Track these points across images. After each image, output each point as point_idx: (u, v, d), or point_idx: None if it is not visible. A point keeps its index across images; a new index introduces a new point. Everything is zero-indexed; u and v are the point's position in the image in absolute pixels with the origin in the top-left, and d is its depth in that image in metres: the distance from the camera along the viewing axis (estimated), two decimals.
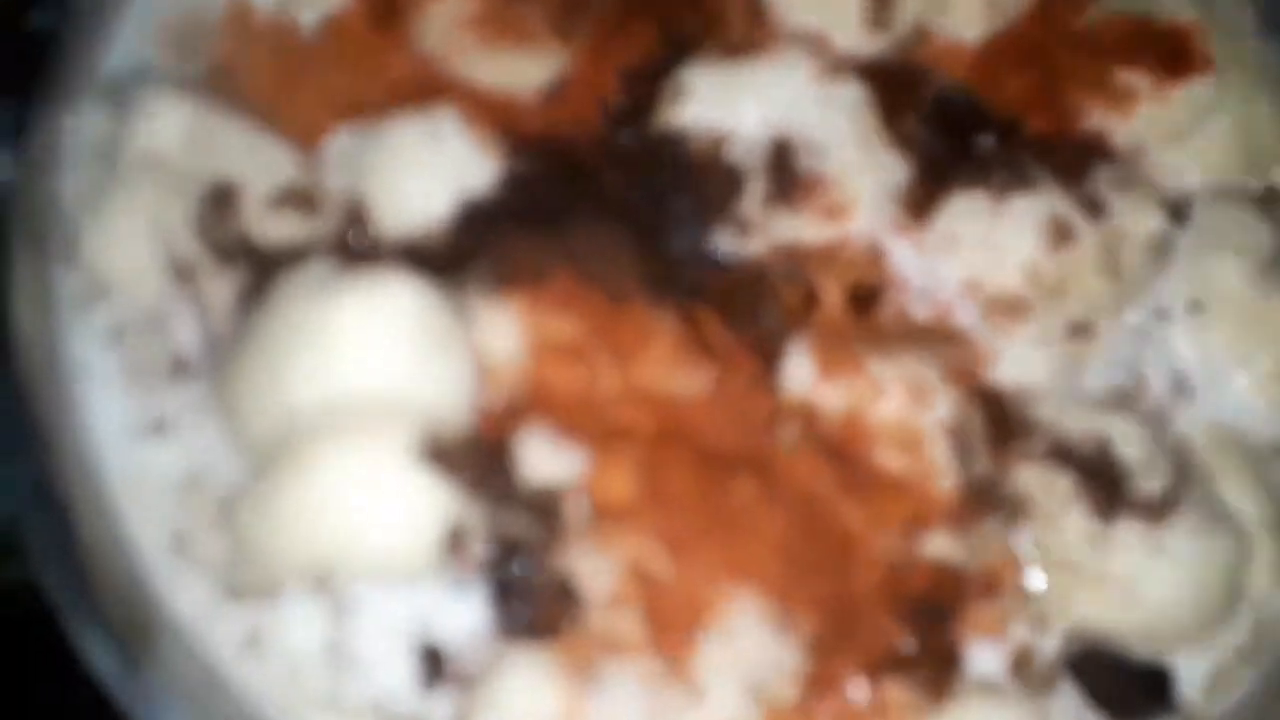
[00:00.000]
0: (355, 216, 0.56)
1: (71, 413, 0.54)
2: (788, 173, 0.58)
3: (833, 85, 0.59)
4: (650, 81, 0.61)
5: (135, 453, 0.54)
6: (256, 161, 0.54)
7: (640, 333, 0.54)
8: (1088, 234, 0.56)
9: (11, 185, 0.53)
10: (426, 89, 0.59)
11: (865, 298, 0.58)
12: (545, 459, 0.50)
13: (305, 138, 0.58)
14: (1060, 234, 0.56)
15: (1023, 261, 0.57)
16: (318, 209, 0.55)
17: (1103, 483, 0.53)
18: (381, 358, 0.49)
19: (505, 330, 0.53)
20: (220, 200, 0.53)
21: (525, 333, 0.52)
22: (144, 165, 0.53)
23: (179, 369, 0.54)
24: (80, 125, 0.55)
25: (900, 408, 0.52)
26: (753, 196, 0.58)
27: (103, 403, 0.54)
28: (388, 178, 0.57)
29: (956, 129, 0.62)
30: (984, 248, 0.58)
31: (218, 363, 0.53)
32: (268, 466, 0.50)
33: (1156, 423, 0.55)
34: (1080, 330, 0.57)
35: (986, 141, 0.61)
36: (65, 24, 0.55)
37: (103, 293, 0.55)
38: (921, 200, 0.60)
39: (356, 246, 0.53)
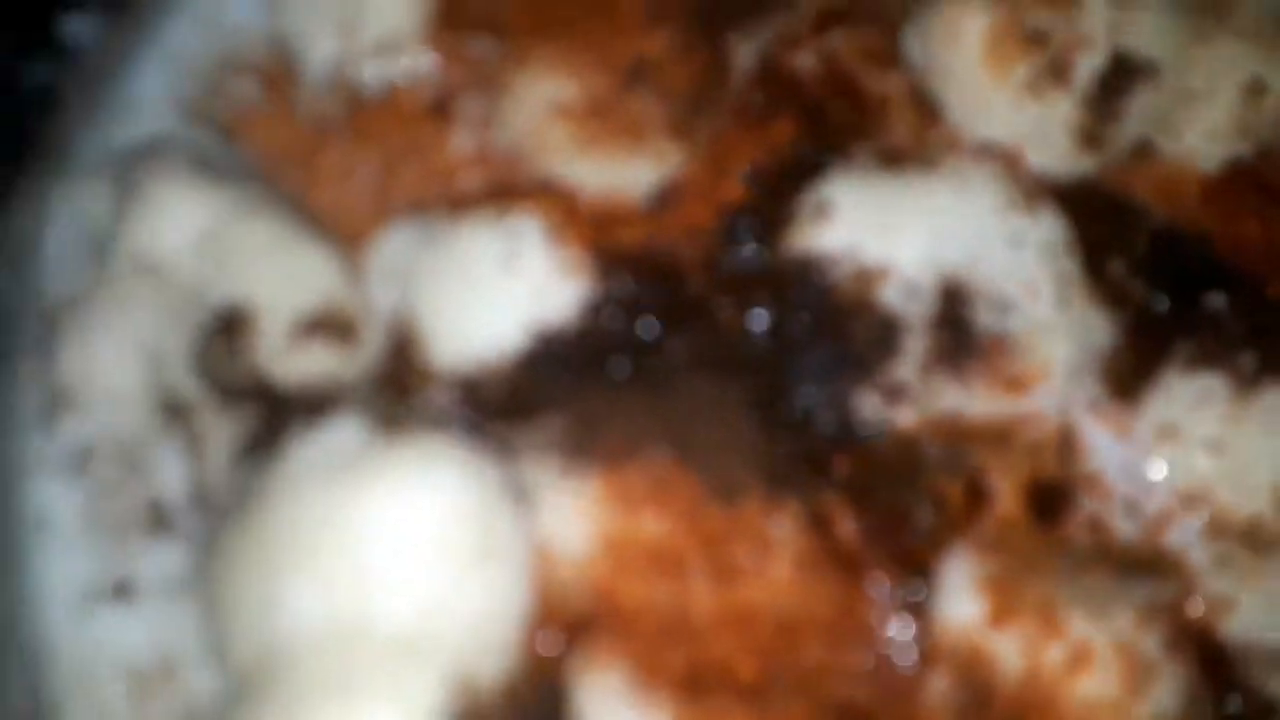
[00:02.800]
0: (402, 346, 0.45)
1: (15, 559, 0.43)
2: (959, 329, 0.45)
3: (1025, 217, 0.46)
4: (785, 189, 0.49)
5: (87, 623, 0.42)
6: (283, 275, 0.42)
7: (753, 540, 0.41)
8: None
9: None
10: (503, 187, 0.47)
11: (1050, 501, 0.45)
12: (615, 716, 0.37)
13: (347, 238, 0.47)
14: None
15: (1270, 481, 0.43)
16: (353, 339, 0.43)
17: None
18: (413, 573, 0.37)
19: (576, 522, 0.40)
20: (231, 328, 0.42)
21: (601, 527, 0.40)
22: (142, 269, 0.42)
23: (156, 523, 0.42)
24: (73, 205, 0.44)
25: (1111, 686, 0.38)
26: (911, 356, 0.45)
27: (56, 550, 0.42)
28: (449, 294, 0.45)
29: (1180, 281, 0.48)
30: (1217, 451, 0.44)
31: (206, 528, 0.41)
32: (249, 698, 0.38)
33: None
34: None
35: (1218, 301, 0.48)
36: (66, 79, 0.44)
37: (71, 407, 0.44)
38: (1130, 374, 0.47)
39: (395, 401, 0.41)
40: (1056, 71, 0.46)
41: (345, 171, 0.49)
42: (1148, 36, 0.46)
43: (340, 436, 0.39)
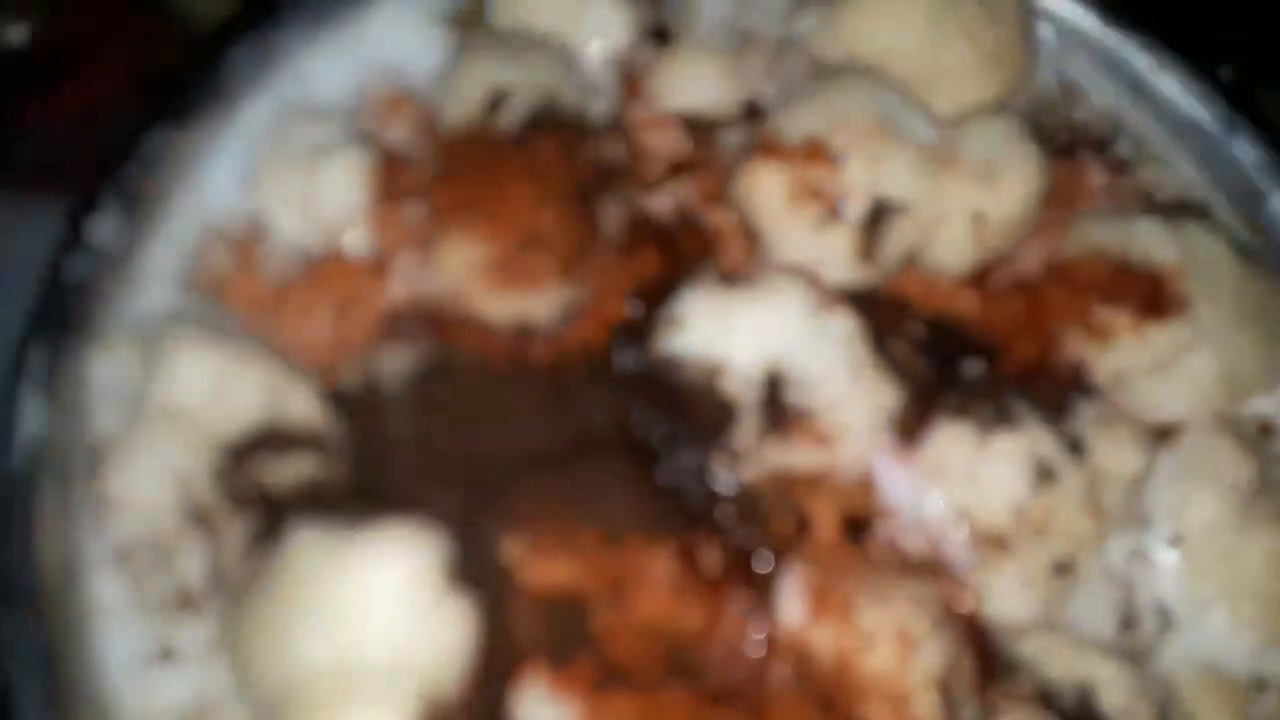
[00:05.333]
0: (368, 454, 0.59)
1: (81, 637, 0.56)
2: (780, 406, 0.60)
3: (826, 318, 0.62)
4: (652, 305, 0.64)
5: (142, 682, 0.55)
6: (276, 409, 0.56)
7: (637, 570, 0.56)
8: (1070, 475, 0.58)
9: (42, 436, 0.56)
10: (430, 323, 0.62)
11: (858, 526, 0.60)
12: (544, 715, 0.52)
13: (313, 367, 0.61)
14: (1043, 475, 0.58)
15: (1007, 501, 0.58)
16: (329, 451, 0.57)
17: None
18: (387, 622, 0.51)
19: (506, 574, 0.55)
20: (239, 453, 0.56)
21: (525, 575, 0.55)
22: (166, 415, 0.56)
23: (186, 604, 0.56)
24: (106, 364, 0.58)
25: (889, 660, 0.53)
26: (746, 428, 0.60)
27: (113, 629, 0.56)
28: None
29: (945, 354, 0.64)
30: (970, 481, 0.60)
31: (225, 603, 0.55)
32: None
33: (1139, 660, 0.57)
34: (1064, 568, 0.58)
35: (974, 367, 0.64)
36: (100, 270, 0.58)
37: (115, 518, 0.58)
38: (911, 424, 0.61)
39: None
40: (833, 213, 0.61)
41: (304, 316, 0.62)
42: (897, 185, 0.61)
43: (317, 528, 0.53)
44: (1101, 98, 0.71)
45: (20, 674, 0.54)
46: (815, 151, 0.62)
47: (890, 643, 0.54)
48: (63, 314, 0.58)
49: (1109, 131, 0.71)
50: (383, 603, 0.52)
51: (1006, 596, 0.57)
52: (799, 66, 0.69)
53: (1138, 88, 0.70)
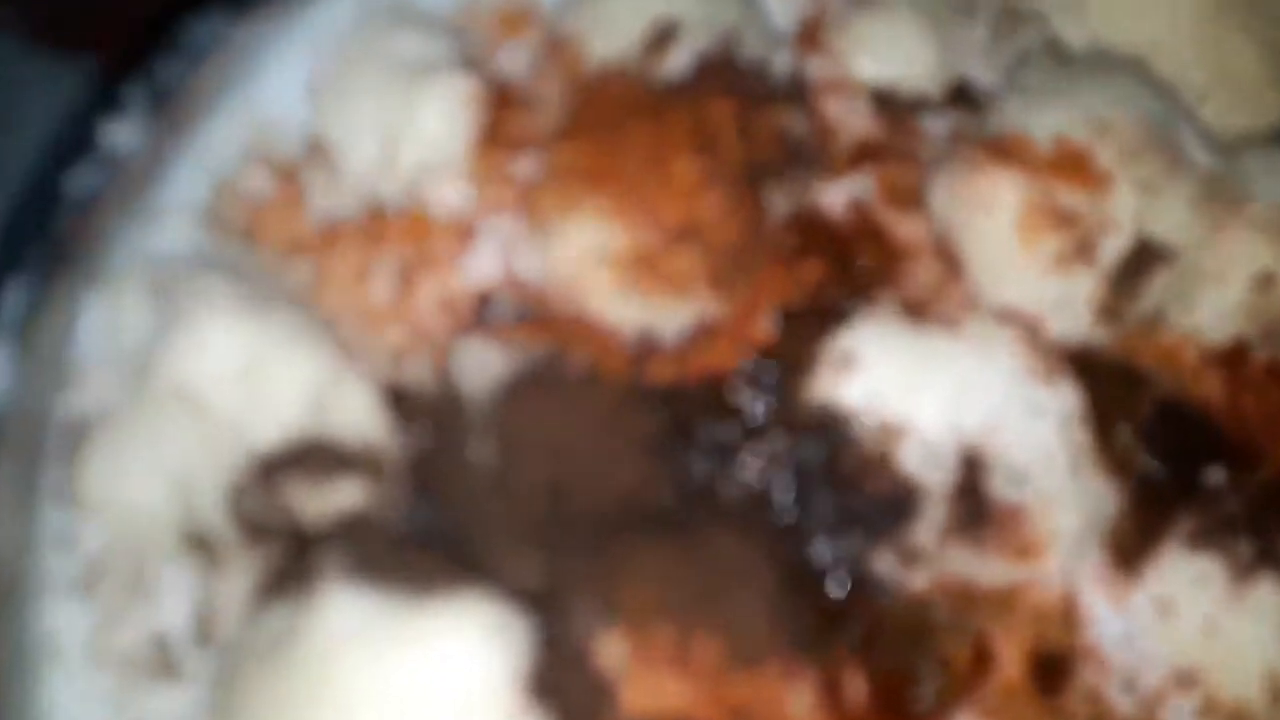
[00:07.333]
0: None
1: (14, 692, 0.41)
2: (977, 499, 0.46)
3: (1045, 387, 0.47)
4: (811, 333, 0.50)
5: None
6: (320, 415, 0.42)
7: (768, 703, 0.42)
8: None
9: (4, 397, 0.41)
10: (535, 314, 0.47)
11: (1051, 669, 0.46)
12: None
13: (356, 344, 0.46)
14: None
15: (1261, 669, 0.45)
16: (382, 478, 0.43)
17: None
18: None
19: (604, 683, 0.41)
20: (270, 467, 0.41)
21: (627, 692, 0.41)
22: (179, 397, 0.41)
23: (162, 663, 0.42)
24: (106, 313, 0.44)
25: None
26: (929, 522, 0.46)
27: (65, 683, 0.41)
28: None
29: (1181, 451, 0.50)
30: (1211, 634, 0.46)
31: (214, 666, 0.41)
32: None
33: None
34: None
35: (1217, 476, 0.49)
36: (110, 186, 0.43)
37: (89, 522, 0.43)
38: (1132, 546, 0.48)
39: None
40: (1083, 250, 0.47)
41: (358, 276, 0.48)
42: (1170, 224, 0.47)
43: (365, 595, 0.39)
44: None
45: None
46: (1073, 164, 0.47)
47: None
48: (55, 238, 0.43)
49: None
50: (442, 712, 0.38)
51: None
52: (1034, 48, 0.54)
53: None
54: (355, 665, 0.38)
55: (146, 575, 0.42)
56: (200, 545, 0.42)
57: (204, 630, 0.41)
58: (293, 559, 0.41)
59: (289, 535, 0.42)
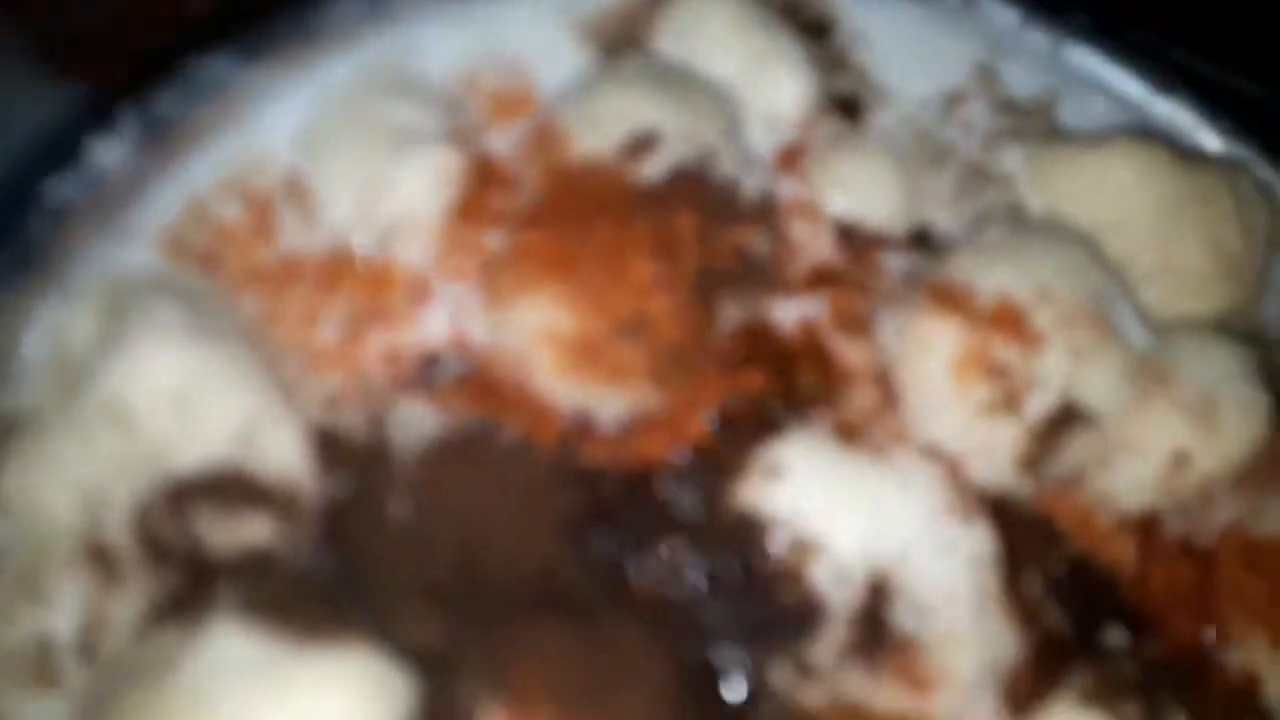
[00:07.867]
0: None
1: None
2: (879, 625, 0.47)
3: (960, 526, 0.49)
4: (743, 439, 0.51)
5: None
6: (249, 438, 0.42)
7: None
8: None
9: None
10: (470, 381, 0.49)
11: None
12: None
13: (297, 381, 0.47)
14: None
15: None
16: (296, 518, 0.43)
17: None
18: None
19: None
20: (182, 493, 0.42)
21: None
22: (109, 412, 0.42)
23: (41, 670, 0.41)
24: (53, 320, 0.44)
25: None
26: (830, 640, 0.47)
27: None
28: None
29: (1086, 610, 0.51)
30: None
31: (91, 682, 0.40)
32: None
33: None
34: None
35: (1117, 637, 0.50)
36: (87, 199, 0.44)
37: None
38: (1026, 694, 0.48)
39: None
40: (1010, 402, 0.49)
41: (309, 316, 0.49)
42: (1097, 391, 0.49)
43: (260, 630, 0.39)
44: None
45: None
46: (1011, 321, 0.49)
47: None
48: (24, 240, 0.44)
49: None
50: None
51: None
52: (996, 208, 0.57)
53: None
54: (228, 702, 0.38)
55: (42, 578, 0.42)
56: (100, 558, 0.42)
57: (89, 643, 0.41)
58: (190, 586, 0.41)
59: (190, 562, 0.41)
